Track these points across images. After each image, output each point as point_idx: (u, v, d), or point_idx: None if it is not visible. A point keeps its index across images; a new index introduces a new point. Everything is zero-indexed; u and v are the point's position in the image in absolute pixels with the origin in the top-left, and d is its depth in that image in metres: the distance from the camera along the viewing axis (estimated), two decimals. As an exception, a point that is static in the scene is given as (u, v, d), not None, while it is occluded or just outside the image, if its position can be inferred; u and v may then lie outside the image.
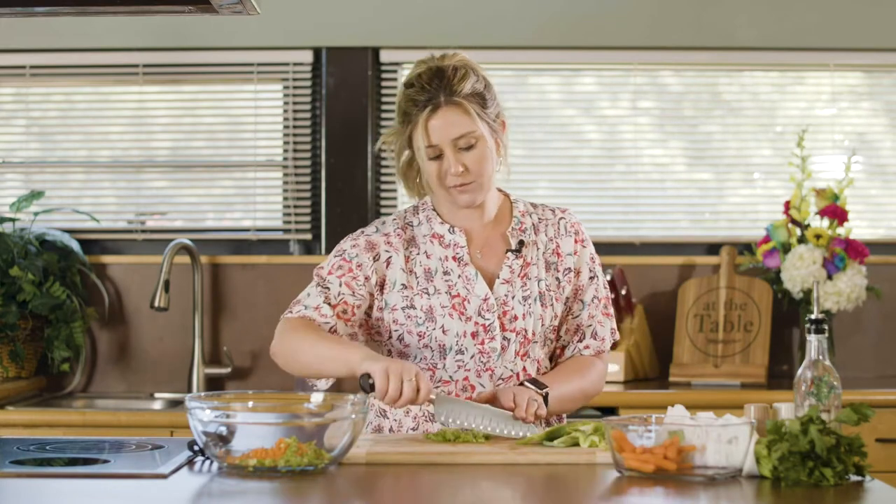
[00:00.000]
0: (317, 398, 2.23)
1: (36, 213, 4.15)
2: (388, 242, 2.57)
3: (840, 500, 1.90)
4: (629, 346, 3.99)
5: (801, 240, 4.04)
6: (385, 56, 4.26)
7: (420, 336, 2.53)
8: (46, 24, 4.21)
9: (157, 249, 4.21)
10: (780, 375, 4.17)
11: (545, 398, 2.44)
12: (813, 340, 2.19)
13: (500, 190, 2.67)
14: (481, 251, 2.59)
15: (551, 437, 2.32)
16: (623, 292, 4.07)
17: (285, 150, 4.29)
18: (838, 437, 2.00)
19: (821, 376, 2.16)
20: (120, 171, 4.34)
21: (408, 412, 2.54)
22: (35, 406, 3.88)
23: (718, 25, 4.21)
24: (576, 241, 2.62)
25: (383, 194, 4.28)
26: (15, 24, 4.16)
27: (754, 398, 3.71)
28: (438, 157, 2.51)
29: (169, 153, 4.36)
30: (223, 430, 2.07)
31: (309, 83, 4.27)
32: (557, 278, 2.60)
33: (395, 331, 2.55)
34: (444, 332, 2.52)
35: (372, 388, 2.33)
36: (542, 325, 2.56)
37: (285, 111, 4.29)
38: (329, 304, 2.52)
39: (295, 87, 4.28)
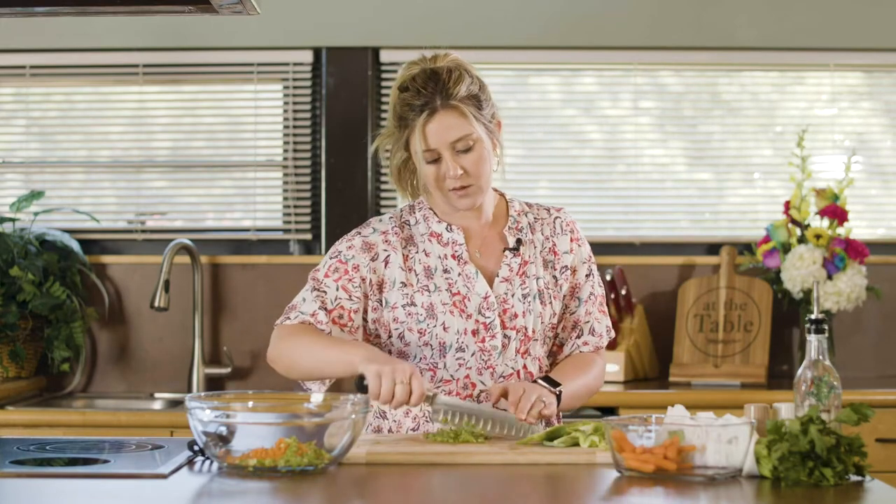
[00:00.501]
0: (317, 398, 2.23)
1: (36, 213, 4.15)
2: (387, 241, 2.57)
3: (840, 500, 1.90)
4: (629, 346, 3.99)
5: (801, 240, 4.04)
6: (385, 56, 4.26)
7: (420, 333, 2.53)
8: (46, 24, 4.21)
9: (157, 249, 4.21)
10: (780, 375, 4.17)
11: (558, 396, 2.45)
12: (813, 340, 2.19)
13: (495, 190, 2.67)
14: (480, 250, 2.59)
15: (551, 437, 2.32)
16: (623, 292, 4.07)
17: (285, 150, 4.29)
18: (838, 437, 2.00)
19: (821, 376, 2.16)
20: (120, 171, 4.34)
21: (407, 413, 2.54)
22: (35, 406, 3.88)
23: (718, 25, 4.21)
24: (572, 240, 2.63)
25: (383, 194, 4.28)
26: (15, 24, 4.16)
27: (754, 398, 3.71)
28: (436, 160, 2.51)
29: (169, 153, 4.36)
30: (223, 430, 2.07)
31: (309, 83, 4.27)
32: (555, 276, 2.60)
33: (396, 329, 2.54)
34: (444, 329, 2.52)
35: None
36: (542, 322, 2.57)
37: (285, 111, 4.29)
38: (325, 309, 2.51)
39: (295, 87, 4.28)
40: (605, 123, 4.35)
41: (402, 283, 2.54)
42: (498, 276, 2.56)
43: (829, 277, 3.98)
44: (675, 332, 4.12)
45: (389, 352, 2.57)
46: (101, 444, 2.42)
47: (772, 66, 4.29)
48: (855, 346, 4.20)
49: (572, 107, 4.37)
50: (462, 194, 2.52)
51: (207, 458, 2.19)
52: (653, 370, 4.10)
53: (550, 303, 2.58)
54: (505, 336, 2.53)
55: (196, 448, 2.20)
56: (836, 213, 4.01)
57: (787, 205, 4.06)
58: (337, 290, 2.52)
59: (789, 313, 4.16)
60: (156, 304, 3.92)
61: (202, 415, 2.08)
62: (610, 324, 2.66)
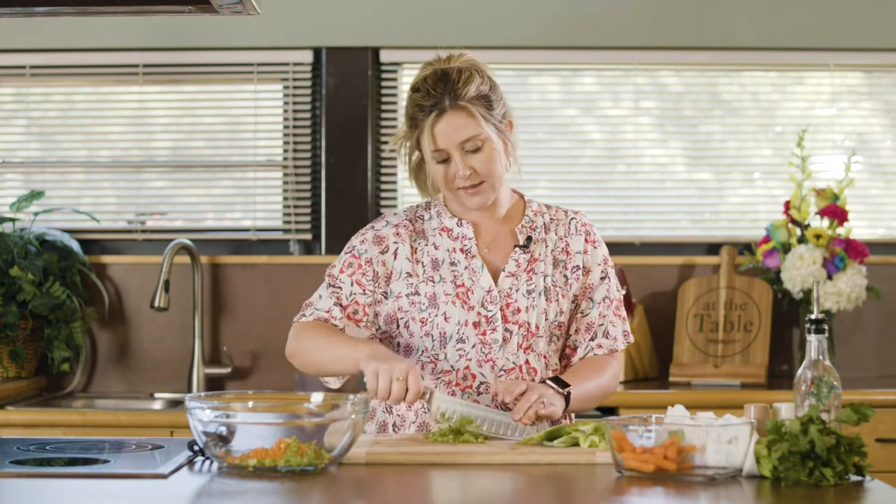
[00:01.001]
0: (317, 398, 2.23)
1: (36, 213, 4.15)
2: (397, 234, 2.61)
3: (840, 500, 1.90)
4: (629, 346, 3.99)
5: (801, 240, 4.04)
6: (385, 56, 4.26)
7: (422, 323, 2.55)
8: (46, 24, 4.21)
9: (157, 249, 4.21)
10: (780, 375, 4.17)
11: (567, 397, 2.45)
12: (813, 340, 2.19)
13: (514, 191, 2.69)
14: (489, 246, 2.61)
15: (551, 437, 2.32)
16: (623, 292, 4.06)
17: (285, 150, 4.29)
18: (838, 437, 2.00)
19: (821, 376, 2.16)
20: (120, 171, 4.34)
21: (410, 406, 2.56)
22: (35, 406, 3.88)
23: (718, 25, 4.21)
24: (586, 241, 2.64)
25: (383, 194, 4.28)
26: (15, 24, 4.16)
27: (754, 398, 3.71)
28: (446, 160, 2.54)
29: (169, 153, 4.36)
30: (223, 430, 2.07)
31: (309, 83, 4.27)
32: (565, 275, 2.61)
33: (401, 318, 2.58)
34: (445, 319, 2.54)
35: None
36: (546, 319, 2.57)
37: (285, 111, 4.29)
38: (340, 305, 2.56)
39: (295, 87, 4.28)
40: (605, 123, 4.35)
41: (407, 273, 2.57)
42: (504, 270, 2.58)
43: (829, 277, 3.98)
44: (675, 332, 4.12)
45: (398, 343, 2.60)
46: (101, 444, 2.42)
47: (772, 66, 4.29)
48: (855, 346, 4.20)
49: (572, 107, 4.37)
50: (473, 192, 2.55)
51: (207, 458, 2.19)
52: (653, 370, 4.10)
53: (557, 300, 2.59)
54: (506, 330, 2.55)
55: (196, 448, 2.20)
56: (836, 213, 4.01)
57: (787, 205, 4.06)
58: (351, 285, 2.57)
59: (789, 313, 4.16)
60: (156, 304, 3.92)
61: (202, 415, 2.08)
62: (628, 329, 2.66)
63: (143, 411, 3.90)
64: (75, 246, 4.13)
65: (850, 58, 4.26)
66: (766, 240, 4.08)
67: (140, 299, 4.19)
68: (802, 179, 4.07)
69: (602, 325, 2.63)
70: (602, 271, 2.64)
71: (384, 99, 4.28)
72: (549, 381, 2.48)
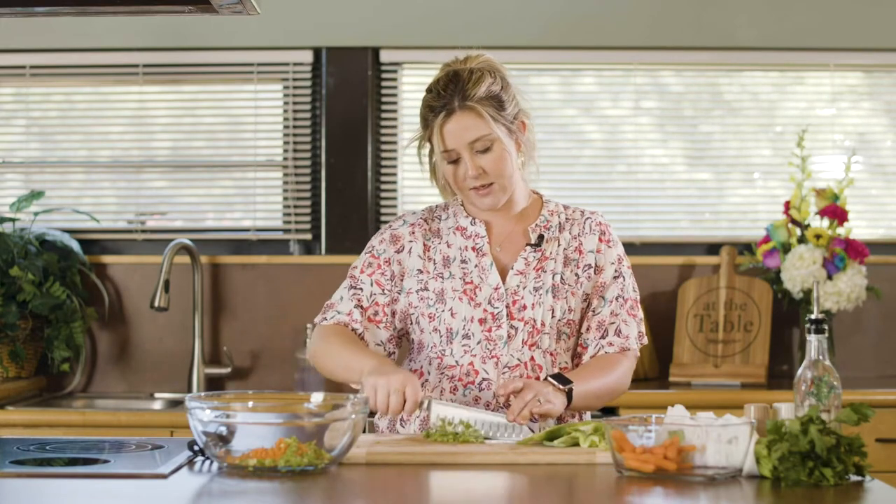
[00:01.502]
0: (317, 398, 2.23)
1: (36, 213, 4.15)
2: (412, 233, 2.65)
3: (840, 500, 1.90)
4: (629, 346, 3.99)
5: (801, 240, 4.04)
6: (385, 56, 4.26)
7: (430, 318, 2.59)
8: (46, 24, 4.20)
9: (157, 249, 4.21)
10: (780, 375, 4.17)
11: (569, 394, 2.46)
12: (813, 340, 2.19)
13: (534, 192, 2.71)
14: (502, 245, 2.64)
15: (551, 437, 2.32)
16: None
17: (285, 150, 4.29)
18: (838, 437, 2.00)
19: (821, 376, 2.16)
20: (120, 171, 4.33)
21: (408, 417, 2.58)
22: (35, 406, 3.88)
23: (718, 25, 4.21)
24: (600, 240, 2.65)
25: (383, 194, 4.28)
26: (15, 24, 4.16)
27: (754, 398, 3.71)
28: (456, 161, 2.57)
29: (169, 153, 4.36)
30: (223, 430, 2.07)
31: (309, 83, 4.27)
32: (577, 274, 2.62)
33: (412, 314, 2.61)
34: (452, 314, 2.57)
35: None
36: (553, 316, 2.58)
37: (285, 111, 4.29)
38: (361, 307, 2.60)
39: (295, 87, 4.28)
40: (605, 123, 4.35)
41: (418, 269, 2.61)
42: (513, 268, 2.59)
43: (829, 277, 3.98)
44: (675, 332, 4.12)
45: (412, 340, 2.64)
46: (101, 444, 2.42)
47: (772, 66, 4.29)
48: (855, 346, 4.20)
49: (572, 107, 4.37)
50: (483, 193, 2.58)
51: (207, 458, 2.19)
52: (653, 370, 4.10)
53: (565, 298, 2.60)
54: (511, 327, 2.56)
55: (196, 448, 2.20)
56: (836, 213, 4.01)
57: (787, 205, 4.06)
58: (371, 285, 2.62)
59: (789, 313, 4.16)
60: (156, 304, 3.92)
61: (202, 415, 2.08)
62: (643, 330, 2.65)
63: (143, 411, 3.90)
64: (75, 246, 4.13)
65: (850, 58, 4.26)
66: (766, 240, 4.08)
67: (140, 299, 4.19)
68: (802, 179, 4.07)
69: (614, 323, 2.62)
70: (616, 270, 2.64)
71: (384, 99, 4.28)
72: (550, 378, 2.48)
